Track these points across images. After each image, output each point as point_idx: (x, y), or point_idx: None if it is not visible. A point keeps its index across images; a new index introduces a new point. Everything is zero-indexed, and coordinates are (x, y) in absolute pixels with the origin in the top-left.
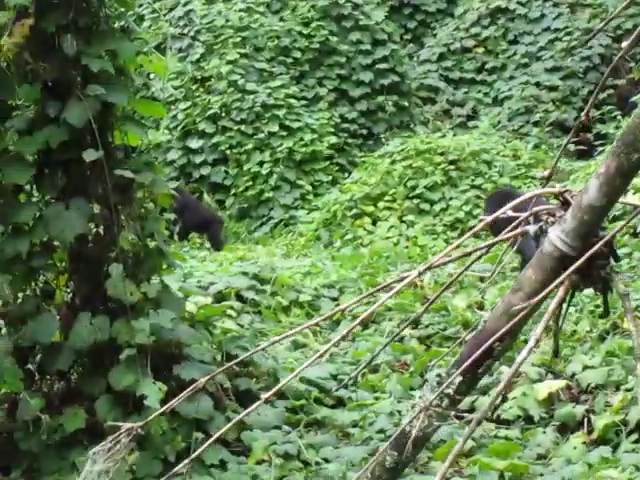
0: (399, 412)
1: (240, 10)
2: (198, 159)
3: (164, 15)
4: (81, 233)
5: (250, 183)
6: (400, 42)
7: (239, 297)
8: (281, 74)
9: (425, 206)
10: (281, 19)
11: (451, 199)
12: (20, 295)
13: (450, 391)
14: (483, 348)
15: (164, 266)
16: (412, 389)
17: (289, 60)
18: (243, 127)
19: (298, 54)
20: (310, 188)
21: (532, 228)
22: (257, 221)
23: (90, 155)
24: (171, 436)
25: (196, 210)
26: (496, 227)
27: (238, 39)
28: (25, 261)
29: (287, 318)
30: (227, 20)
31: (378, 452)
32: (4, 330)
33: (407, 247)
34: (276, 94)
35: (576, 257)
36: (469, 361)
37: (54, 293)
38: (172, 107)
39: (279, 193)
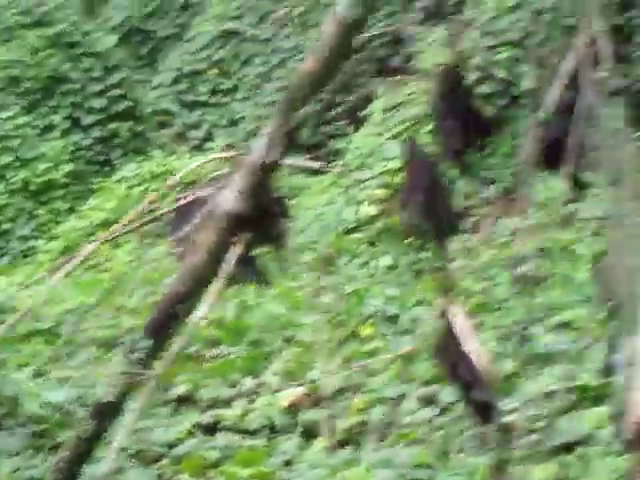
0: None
1: None
2: None
3: None
4: None
5: None
6: (133, 68)
7: None
8: (12, 105)
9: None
10: (8, 49)
11: None
12: None
13: (142, 355)
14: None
15: None
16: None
17: (20, 90)
18: None
19: (29, 84)
20: (48, 217)
21: (204, 193)
22: None
23: None
24: None
25: None
26: None
27: None
28: None
29: (28, 346)
30: None
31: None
32: None
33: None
34: (7, 125)
35: (248, 216)
36: (155, 324)
37: None
38: None
39: (17, 224)
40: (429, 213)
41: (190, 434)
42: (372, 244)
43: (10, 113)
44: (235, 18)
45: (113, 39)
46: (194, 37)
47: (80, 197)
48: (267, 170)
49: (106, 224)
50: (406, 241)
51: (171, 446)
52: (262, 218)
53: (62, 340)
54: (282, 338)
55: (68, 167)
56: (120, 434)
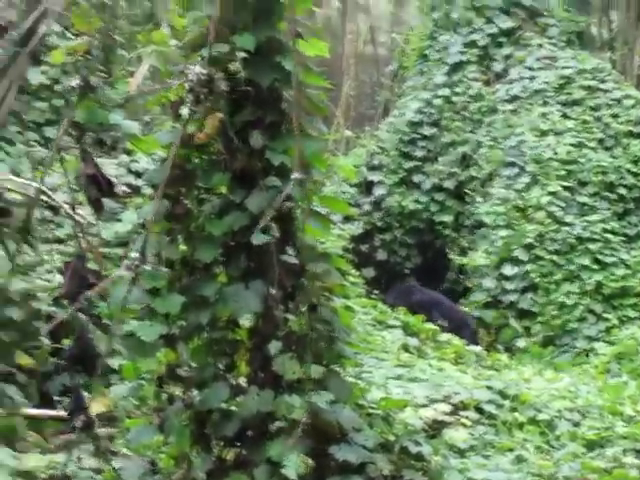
0: None
1: (570, 144)
2: (509, 286)
3: (498, 143)
4: (256, 312)
5: (556, 312)
6: None
7: (479, 409)
8: (602, 209)
9: None
10: (611, 156)
11: None
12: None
13: None
14: None
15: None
16: None
17: (613, 196)
18: (555, 257)
19: (624, 191)
20: (616, 322)
21: None
22: (560, 349)
23: (258, 239)
24: None
25: (449, 309)
26: None
27: (563, 172)
28: (206, 332)
29: (521, 435)
30: (555, 153)
31: None
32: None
33: None
34: (593, 228)
35: None
36: None
37: (233, 365)
38: (492, 232)
39: (584, 324)
40: None
41: None
42: None
43: (598, 217)
44: None
45: None
46: None
47: None
48: None
49: None
50: None
51: None
52: None
53: (555, 434)
54: None
55: None
56: None
